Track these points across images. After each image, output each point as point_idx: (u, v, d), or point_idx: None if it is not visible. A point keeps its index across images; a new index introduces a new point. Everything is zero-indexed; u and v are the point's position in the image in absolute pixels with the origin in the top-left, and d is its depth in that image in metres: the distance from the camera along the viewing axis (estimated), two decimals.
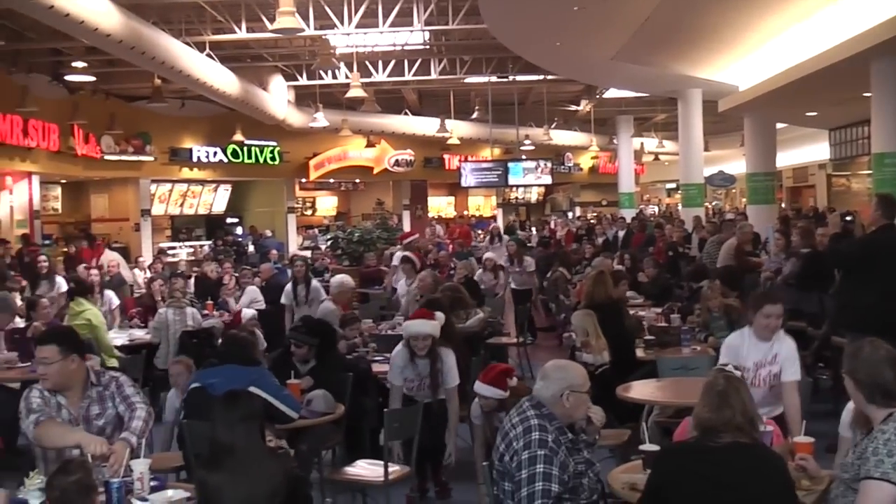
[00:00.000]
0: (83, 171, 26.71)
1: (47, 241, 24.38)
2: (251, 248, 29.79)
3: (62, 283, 15.33)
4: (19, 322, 12.25)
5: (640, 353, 10.39)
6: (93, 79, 24.21)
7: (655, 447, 5.74)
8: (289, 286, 14.69)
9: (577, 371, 5.78)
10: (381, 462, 7.56)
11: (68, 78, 24.07)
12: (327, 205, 41.02)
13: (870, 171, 20.57)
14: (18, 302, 13.07)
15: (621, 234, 24.65)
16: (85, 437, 5.66)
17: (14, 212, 25.19)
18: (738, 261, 14.88)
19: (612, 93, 32.13)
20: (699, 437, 5.01)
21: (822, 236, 12.94)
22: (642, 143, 43.44)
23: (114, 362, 11.03)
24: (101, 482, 5.29)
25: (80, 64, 22.62)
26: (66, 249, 23.50)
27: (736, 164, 36.40)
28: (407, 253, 16.57)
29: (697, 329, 10.96)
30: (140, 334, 13.59)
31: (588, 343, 10.07)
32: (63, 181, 29.08)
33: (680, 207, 28.23)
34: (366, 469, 7.87)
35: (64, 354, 5.97)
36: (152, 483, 5.55)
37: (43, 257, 15.24)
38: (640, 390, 8.64)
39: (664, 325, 11.25)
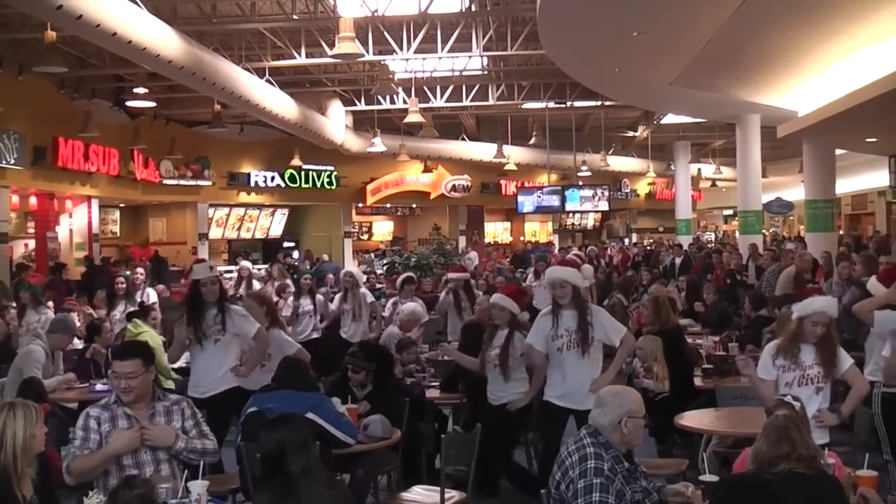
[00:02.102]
0: (142, 195, 27.02)
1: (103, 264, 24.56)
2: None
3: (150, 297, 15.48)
4: (77, 343, 12.36)
5: (697, 381, 10.28)
6: (153, 104, 24.51)
7: (715, 478, 5.68)
8: (339, 296, 14.80)
9: (633, 396, 5.72)
10: (438, 488, 7.53)
11: (130, 104, 24.34)
12: (384, 229, 41.09)
13: None
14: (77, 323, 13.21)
15: (678, 260, 24.50)
16: (114, 443, 5.85)
17: (73, 234, 25.50)
18: (797, 289, 14.69)
19: (669, 118, 32.02)
20: (756, 469, 4.96)
21: (887, 265, 12.75)
22: (700, 170, 43.14)
23: (170, 384, 11.06)
24: (161, 503, 5.32)
25: (141, 90, 22.86)
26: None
27: (794, 191, 36.08)
28: (409, 274, 16.56)
29: None
30: None
31: (651, 369, 9.99)
32: (122, 205, 29.41)
33: (737, 234, 28.01)
34: (422, 495, 7.81)
35: (146, 367, 6.12)
36: None
37: (121, 278, 15.36)
38: (699, 419, 8.54)
39: (722, 353, 11.11)
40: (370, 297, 14.88)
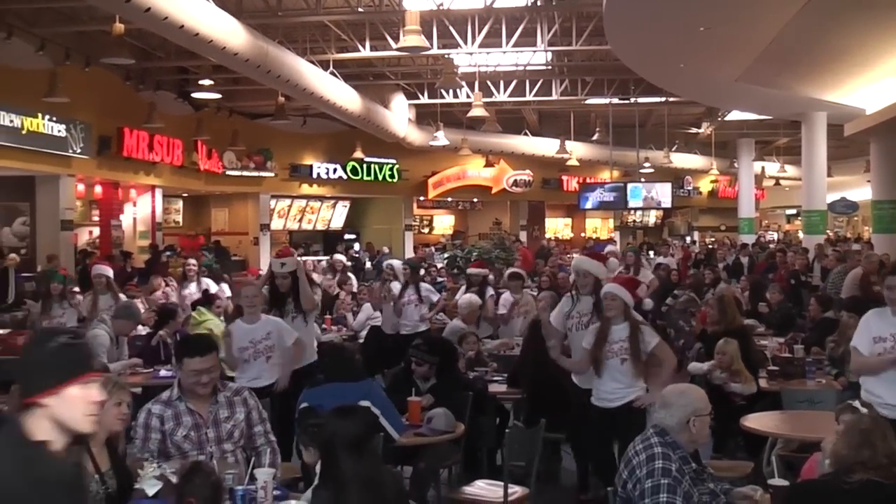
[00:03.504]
0: (205, 185, 27.24)
1: (169, 253, 24.79)
2: (368, 265, 29.91)
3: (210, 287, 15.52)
4: (141, 330, 12.46)
5: (762, 383, 10.09)
6: (218, 96, 24.65)
7: (785, 482, 5.61)
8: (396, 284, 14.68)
9: (698, 395, 5.65)
10: (500, 483, 7.51)
11: (194, 95, 24.50)
12: (444, 223, 41.16)
13: None
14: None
15: (744, 260, 24.28)
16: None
17: (137, 223, 25.77)
18: (864, 291, 14.50)
19: (734, 115, 31.71)
20: (832, 475, 4.87)
21: None
22: (763, 168, 42.75)
23: (232, 373, 11.13)
24: (225, 489, 5.36)
25: (206, 82, 23.01)
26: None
27: (858, 190, 35.75)
28: (517, 269, 16.30)
29: (826, 363, 10.67)
30: None
31: (739, 372, 9.82)
32: (185, 195, 29.71)
33: (801, 235, 27.73)
34: (485, 489, 7.78)
35: (218, 360, 6.28)
36: (275, 493, 5.59)
37: (192, 260, 15.51)
38: (764, 422, 8.42)
39: (788, 355, 10.95)
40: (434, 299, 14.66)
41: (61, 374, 3.41)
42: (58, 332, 3.62)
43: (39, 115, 18.71)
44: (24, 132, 18.34)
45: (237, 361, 9.44)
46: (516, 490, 7.57)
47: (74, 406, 3.43)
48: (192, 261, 17.52)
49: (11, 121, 17.97)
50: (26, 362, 3.52)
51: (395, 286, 14.26)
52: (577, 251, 28.08)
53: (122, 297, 13.36)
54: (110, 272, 13.35)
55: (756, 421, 8.40)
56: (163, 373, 10.84)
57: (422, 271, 16.16)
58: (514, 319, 13.55)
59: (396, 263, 15.08)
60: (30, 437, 3.37)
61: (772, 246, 29.84)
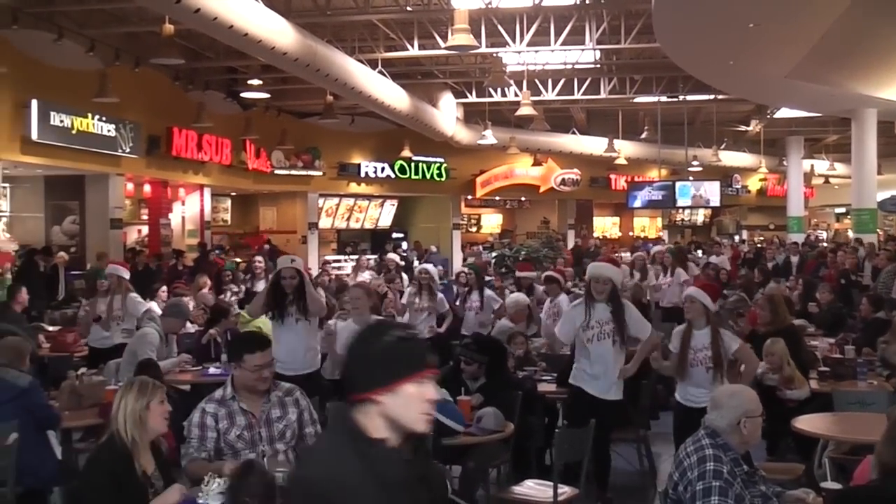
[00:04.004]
0: (253, 184, 27.34)
1: (217, 251, 24.94)
2: (416, 264, 29.90)
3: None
4: (190, 327, 12.54)
5: (813, 384, 9.98)
6: (266, 96, 24.74)
7: (838, 485, 5.55)
8: (409, 290, 14.60)
9: (750, 395, 5.60)
10: (549, 483, 7.49)
11: (243, 95, 24.62)
12: (492, 222, 41.12)
13: None
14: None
15: (794, 259, 24.11)
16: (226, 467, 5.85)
17: (185, 222, 25.98)
18: None
19: (782, 112, 31.51)
20: (880, 480, 4.81)
21: None
22: (812, 166, 42.35)
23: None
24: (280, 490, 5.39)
25: (255, 81, 23.11)
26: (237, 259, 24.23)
27: None
28: (553, 273, 16.14)
29: (878, 364, 10.57)
30: None
31: (793, 378, 9.71)
32: (233, 194, 29.85)
33: (850, 234, 27.50)
34: (534, 489, 7.77)
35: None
36: None
37: (259, 258, 15.57)
38: (815, 424, 8.35)
39: (839, 356, 10.84)
40: (439, 296, 14.43)
41: (397, 370, 3.32)
42: (392, 325, 3.51)
43: (89, 115, 18.90)
44: (74, 132, 18.54)
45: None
46: (565, 490, 7.56)
47: (410, 404, 3.33)
48: (259, 258, 17.68)
49: (62, 121, 18.16)
50: (360, 356, 3.38)
51: (408, 289, 14.37)
52: (626, 249, 28.04)
53: (136, 297, 13.39)
54: (126, 273, 13.28)
55: (807, 423, 8.32)
56: (212, 370, 10.91)
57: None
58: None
59: (431, 268, 15.01)
60: (367, 435, 3.31)
61: (823, 245, 29.59)
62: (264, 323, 12.08)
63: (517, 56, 22.72)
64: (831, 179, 43.81)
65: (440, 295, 14.48)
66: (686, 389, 8.67)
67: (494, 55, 21.54)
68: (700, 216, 45.12)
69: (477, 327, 13.61)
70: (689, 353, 8.57)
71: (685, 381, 8.65)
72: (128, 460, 5.46)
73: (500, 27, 19.25)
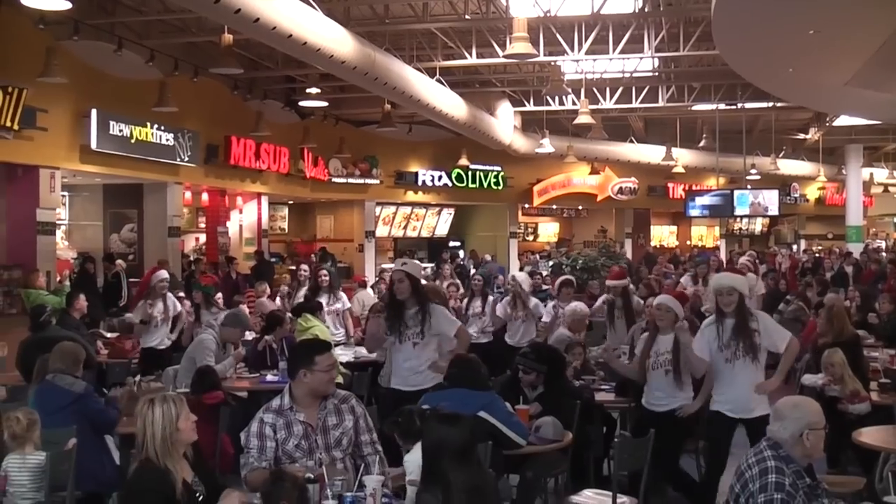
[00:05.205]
0: (311, 192, 27.45)
1: (274, 259, 25.04)
2: (473, 272, 29.87)
3: (345, 298, 15.51)
4: (248, 336, 12.60)
5: (874, 396, 9.84)
6: (324, 104, 24.82)
7: None
8: (506, 300, 14.52)
9: (813, 407, 5.53)
10: (608, 493, 7.44)
11: (301, 104, 24.72)
12: (549, 231, 41.02)
13: None
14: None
15: (848, 269, 23.82)
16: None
17: (243, 230, 26.15)
18: None
19: (842, 120, 31.24)
20: None
21: None
22: (871, 174, 41.98)
23: (339, 379, 11.18)
24: (335, 495, 5.41)
25: (313, 90, 23.19)
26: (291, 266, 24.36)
27: None
28: (569, 277, 15.87)
29: None
30: (365, 352, 13.68)
31: (857, 392, 9.54)
32: (291, 202, 30.03)
33: None
34: (593, 499, 7.69)
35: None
36: (384, 500, 5.59)
37: (324, 271, 15.62)
38: (878, 437, 8.23)
39: None
40: (533, 301, 14.38)
41: None
42: None
43: (148, 124, 19.04)
44: (133, 141, 18.67)
45: (377, 346, 10.13)
46: (624, 500, 7.51)
47: None
48: (305, 266, 17.68)
49: (121, 130, 18.30)
50: None
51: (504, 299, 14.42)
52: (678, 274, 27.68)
53: (174, 300, 13.65)
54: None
55: (869, 435, 8.22)
56: (269, 377, 10.96)
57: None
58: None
59: (521, 275, 15.04)
60: None
61: (883, 255, 29.20)
62: (321, 330, 12.16)
63: (575, 64, 22.67)
64: (891, 188, 43.41)
65: (533, 300, 14.46)
66: (652, 394, 8.94)
67: (552, 63, 21.51)
68: (758, 225, 44.74)
69: (478, 333, 13.97)
70: (651, 357, 8.83)
71: (649, 385, 8.95)
72: (169, 482, 5.41)
73: (558, 35, 19.18)
